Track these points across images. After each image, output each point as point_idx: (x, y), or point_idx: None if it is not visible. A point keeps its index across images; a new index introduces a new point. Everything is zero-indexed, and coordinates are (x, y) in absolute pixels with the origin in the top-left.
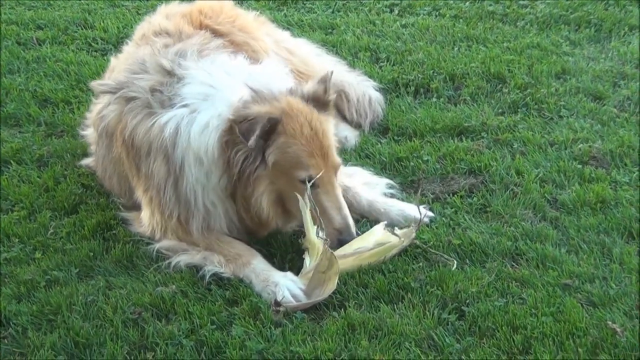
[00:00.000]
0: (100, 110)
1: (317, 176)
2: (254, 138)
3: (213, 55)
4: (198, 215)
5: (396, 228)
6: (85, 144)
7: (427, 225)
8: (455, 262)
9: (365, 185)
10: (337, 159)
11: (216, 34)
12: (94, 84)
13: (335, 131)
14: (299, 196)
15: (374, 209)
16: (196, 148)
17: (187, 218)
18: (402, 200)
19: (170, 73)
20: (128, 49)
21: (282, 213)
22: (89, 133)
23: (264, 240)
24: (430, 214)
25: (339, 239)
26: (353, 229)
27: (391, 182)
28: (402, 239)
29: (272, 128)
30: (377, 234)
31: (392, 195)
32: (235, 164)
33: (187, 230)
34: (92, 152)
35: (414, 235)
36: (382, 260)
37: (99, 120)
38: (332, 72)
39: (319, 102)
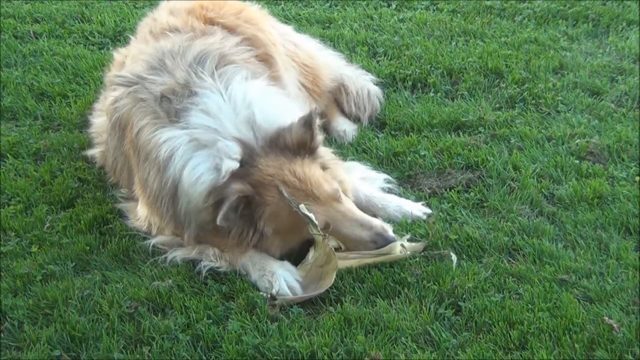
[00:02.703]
0: (115, 99)
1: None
2: (220, 217)
3: (231, 73)
4: (191, 229)
5: (406, 240)
6: (85, 137)
7: (424, 221)
8: (456, 257)
9: (363, 180)
10: (329, 189)
11: (224, 28)
12: (110, 76)
13: (334, 125)
14: (288, 198)
15: (371, 204)
16: (188, 188)
17: (182, 229)
18: (400, 195)
19: (184, 86)
20: (137, 45)
21: (300, 252)
22: (100, 122)
23: None
24: (428, 210)
25: (377, 247)
26: (385, 232)
27: (389, 177)
28: (408, 253)
29: (248, 203)
30: (386, 249)
31: (389, 190)
32: (228, 233)
33: (181, 235)
34: (102, 141)
35: (421, 250)
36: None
37: (114, 110)
38: (316, 110)
39: (305, 148)
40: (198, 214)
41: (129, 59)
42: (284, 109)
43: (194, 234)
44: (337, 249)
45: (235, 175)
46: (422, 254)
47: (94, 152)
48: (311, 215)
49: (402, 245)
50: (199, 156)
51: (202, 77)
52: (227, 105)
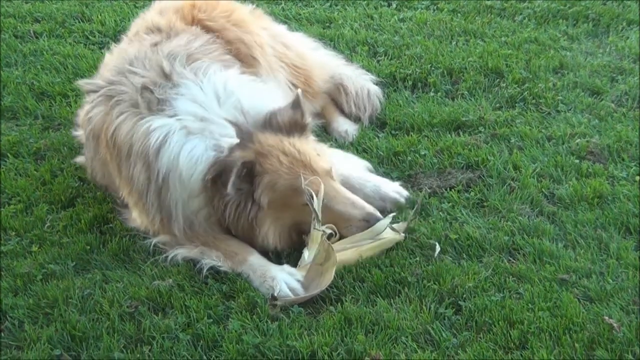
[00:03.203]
0: (87, 111)
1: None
2: (230, 185)
3: (205, 66)
4: (179, 221)
5: (389, 219)
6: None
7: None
8: (439, 247)
9: (344, 159)
10: (324, 164)
11: (207, 29)
12: (81, 83)
13: (335, 125)
14: (305, 191)
15: (348, 186)
16: (184, 172)
17: (170, 222)
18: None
19: (167, 76)
20: (122, 45)
21: (290, 240)
22: (80, 134)
23: None
24: (405, 192)
25: (368, 226)
26: (374, 211)
27: (369, 165)
28: (402, 234)
29: (249, 172)
30: (377, 227)
31: None
32: (224, 209)
33: (170, 231)
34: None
35: (405, 227)
36: (381, 252)
37: (87, 122)
38: (300, 92)
39: (297, 126)
40: (189, 200)
41: (111, 59)
42: (267, 94)
43: (182, 226)
44: (330, 237)
45: (234, 148)
46: (409, 234)
47: (79, 159)
48: (318, 210)
49: (391, 228)
50: (194, 139)
51: (180, 72)
52: (210, 95)
